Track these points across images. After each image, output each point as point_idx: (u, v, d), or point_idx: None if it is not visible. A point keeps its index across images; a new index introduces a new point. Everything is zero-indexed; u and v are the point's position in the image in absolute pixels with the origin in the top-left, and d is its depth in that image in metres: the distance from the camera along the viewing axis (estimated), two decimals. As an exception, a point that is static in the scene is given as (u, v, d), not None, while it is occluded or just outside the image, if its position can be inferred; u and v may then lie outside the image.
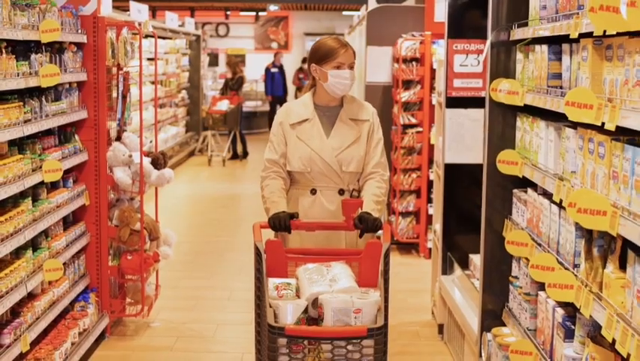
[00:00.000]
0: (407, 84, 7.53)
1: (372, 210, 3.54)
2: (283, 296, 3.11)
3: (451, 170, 5.19)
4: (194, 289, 6.47)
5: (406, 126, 7.52)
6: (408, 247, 7.65)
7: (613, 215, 2.44)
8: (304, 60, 19.92)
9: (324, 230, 3.65)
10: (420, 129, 7.46)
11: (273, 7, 20.93)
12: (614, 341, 2.42)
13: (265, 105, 18.93)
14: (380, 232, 3.55)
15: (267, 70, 18.42)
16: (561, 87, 3.15)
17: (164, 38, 13.04)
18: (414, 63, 7.45)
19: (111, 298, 5.23)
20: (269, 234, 3.55)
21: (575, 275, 2.85)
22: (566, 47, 3.07)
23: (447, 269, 5.25)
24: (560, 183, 3.00)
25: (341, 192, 3.74)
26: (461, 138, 5.06)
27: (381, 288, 3.13)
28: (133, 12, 10.78)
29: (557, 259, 3.07)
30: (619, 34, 2.46)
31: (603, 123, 2.50)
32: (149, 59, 11.09)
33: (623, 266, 2.53)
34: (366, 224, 3.45)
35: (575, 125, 2.90)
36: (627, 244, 2.47)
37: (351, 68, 3.71)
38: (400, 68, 7.45)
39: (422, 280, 6.44)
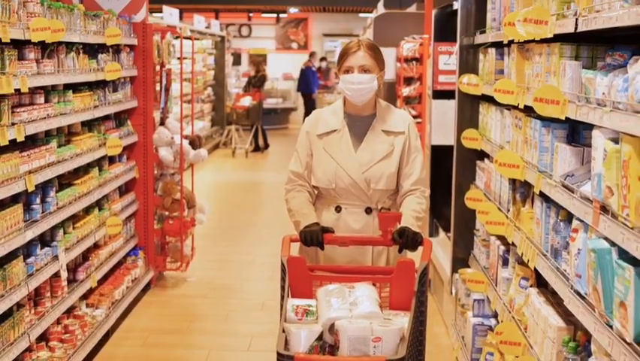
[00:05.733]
0: (408, 81, 8.59)
1: (412, 226, 3.20)
2: (303, 320, 2.83)
3: (437, 151, 6.24)
4: (222, 254, 7.57)
5: (407, 118, 8.57)
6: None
7: (523, 167, 3.49)
8: (322, 59, 20.82)
9: (358, 245, 3.34)
10: (419, 120, 8.50)
11: (293, 10, 21.82)
12: (522, 254, 3.47)
13: (285, 102, 19.95)
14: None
15: (308, 68, 18.72)
16: (503, 80, 4.18)
17: (191, 39, 14.08)
18: (414, 62, 8.52)
19: (155, 255, 6.33)
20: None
21: (506, 216, 3.91)
22: (505, 49, 4.11)
23: (433, 233, 6.30)
24: (500, 150, 4.05)
25: (368, 210, 3.43)
26: (445, 124, 6.09)
27: (412, 312, 2.77)
28: (165, 15, 11.89)
29: (498, 207, 4.12)
30: (530, 41, 3.50)
31: (519, 104, 3.56)
32: (179, 58, 12.14)
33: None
34: (407, 239, 3.12)
35: (510, 107, 3.95)
36: (536, 189, 3.51)
37: (366, 71, 3.37)
38: (402, 66, 8.50)
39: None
